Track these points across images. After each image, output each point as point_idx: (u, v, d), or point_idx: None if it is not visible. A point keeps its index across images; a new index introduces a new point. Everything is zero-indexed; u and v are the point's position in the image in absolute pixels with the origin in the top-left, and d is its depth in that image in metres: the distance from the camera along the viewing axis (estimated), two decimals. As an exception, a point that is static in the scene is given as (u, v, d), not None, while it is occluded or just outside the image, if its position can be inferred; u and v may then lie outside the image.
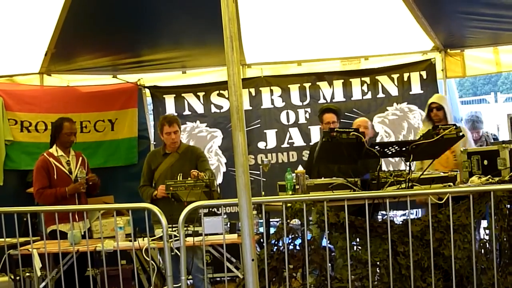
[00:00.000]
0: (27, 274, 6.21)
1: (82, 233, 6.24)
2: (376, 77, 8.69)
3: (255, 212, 5.59)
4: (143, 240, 5.47)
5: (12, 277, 5.88)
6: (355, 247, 5.13)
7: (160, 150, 6.93)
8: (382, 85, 8.68)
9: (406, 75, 8.63)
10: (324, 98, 8.72)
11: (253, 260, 3.48)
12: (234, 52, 3.45)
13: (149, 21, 7.78)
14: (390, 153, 5.51)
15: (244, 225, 3.46)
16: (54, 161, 6.53)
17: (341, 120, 7.54)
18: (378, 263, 5.11)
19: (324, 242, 5.45)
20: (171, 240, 4.87)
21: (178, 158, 6.75)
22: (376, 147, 5.36)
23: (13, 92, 8.11)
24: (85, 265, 5.69)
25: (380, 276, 5.14)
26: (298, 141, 8.70)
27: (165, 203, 6.02)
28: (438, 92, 8.48)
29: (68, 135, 6.66)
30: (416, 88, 8.61)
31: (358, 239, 5.14)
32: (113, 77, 8.77)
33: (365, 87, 8.70)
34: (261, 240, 5.65)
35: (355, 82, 8.73)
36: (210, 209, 6.10)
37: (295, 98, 8.77)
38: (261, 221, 5.49)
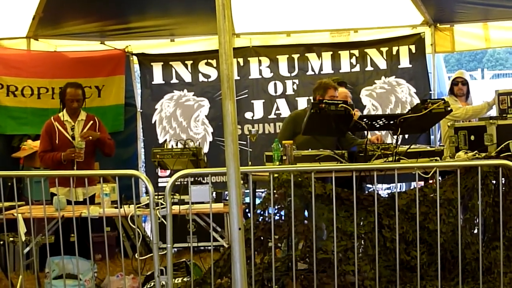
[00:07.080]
0: (11, 238, 6.19)
1: (83, 199, 6.22)
2: (365, 50, 8.70)
3: (241, 182, 5.57)
4: (129, 207, 5.45)
5: (-3, 241, 5.88)
6: (340, 219, 5.14)
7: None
8: (370, 58, 8.69)
9: (395, 49, 8.64)
10: (313, 70, 8.72)
11: (240, 229, 3.47)
12: (226, 21, 3.40)
13: (138, -13, 7.72)
14: (378, 126, 5.52)
15: (232, 194, 3.43)
16: (58, 125, 6.43)
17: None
18: (363, 235, 5.13)
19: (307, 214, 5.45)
20: (157, 207, 4.86)
21: None
22: (364, 119, 5.36)
23: (0, 56, 8.02)
24: (69, 231, 5.66)
25: (364, 248, 5.16)
26: (285, 112, 8.68)
27: None
28: (426, 67, 8.51)
29: (70, 102, 6.46)
30: (404, 62, 8.63)
31: (343, 211, 5.15)
32: (100, 43, 8.71)
33: (353, 60, 8.70)
34: (247, 210, 5.65)
35: (344, 55, 8.72)
36: (196, 178, 6.09)
37: (283, 69, 8.76)
38: (247, 191, 5.48)
